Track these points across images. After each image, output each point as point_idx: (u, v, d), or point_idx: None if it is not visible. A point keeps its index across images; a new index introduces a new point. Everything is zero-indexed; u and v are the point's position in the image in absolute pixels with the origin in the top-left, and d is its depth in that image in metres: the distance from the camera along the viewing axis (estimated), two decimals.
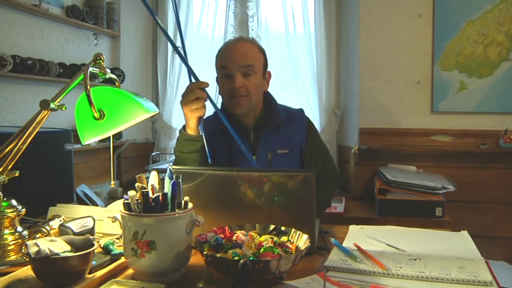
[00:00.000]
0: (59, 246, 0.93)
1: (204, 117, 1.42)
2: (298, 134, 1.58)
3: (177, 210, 0.98)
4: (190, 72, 1.39)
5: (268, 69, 1.57)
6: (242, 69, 1.46)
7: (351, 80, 2.89)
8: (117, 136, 2.82)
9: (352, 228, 1.34)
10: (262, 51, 1.55)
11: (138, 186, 0.99)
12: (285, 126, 1.56)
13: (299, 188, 1.07)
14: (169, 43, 3.13)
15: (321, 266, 1.01)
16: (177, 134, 1.48)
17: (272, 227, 1.04)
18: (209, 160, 1.36)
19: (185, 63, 1.39)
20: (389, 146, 2.61)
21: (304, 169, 1.09)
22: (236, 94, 1.46)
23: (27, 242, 0.91)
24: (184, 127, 1.42)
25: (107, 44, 2.95)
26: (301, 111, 1.66)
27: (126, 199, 0.98)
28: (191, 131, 1.39)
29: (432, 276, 0.91)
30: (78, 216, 1.18)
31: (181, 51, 1.40)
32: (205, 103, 1.37)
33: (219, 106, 1.50)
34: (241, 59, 1.46)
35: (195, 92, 1.33)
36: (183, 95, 1.36)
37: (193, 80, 1.38)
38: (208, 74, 3.18)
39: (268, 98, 1.60)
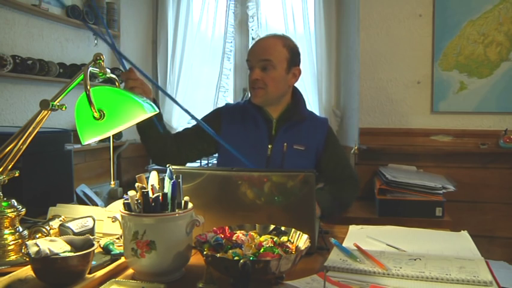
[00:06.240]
0: (59, 246, 0.93)
1: (231, 104, 1.71)
2: (317, 136, 1.62)
3: (177, 210, 0.98)
4: (119, 56, 1.39)
5: (298, 67, 1.63)
6: (260, 63, 1.54)
7: (351, 80, 2.89)
8: (117, 136, 2.81)
9: (352, 228, 1.34)
10: (289, 47, 1.60)
11: (138, 186, 0.99)
12: (307, 125, 1.62)
13: (299, 188, 1.07)
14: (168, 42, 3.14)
15: (321, 266, 1.01)
16: None
17: (272, 227, 1.04)
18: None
19: (114, 49, 1.39)
20: (390, 146, 2.61)
21: (304, 169, 1.09)
22: (254, 86, 1.55)
23: (27, 242, 0.91)
24: None
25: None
26: (326, 119, 1.75)
27: (126, 199, 0.98)
28: None
29: (432, 276, 0.91)
30: (78, 216, 1.18)
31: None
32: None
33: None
34: (259, 53, 1.56)
35: (128, 83, 1.32)
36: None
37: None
38: (208, 73, 3.21)
39: (296, 94, 1.67)
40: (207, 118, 1.69)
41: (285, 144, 1.57)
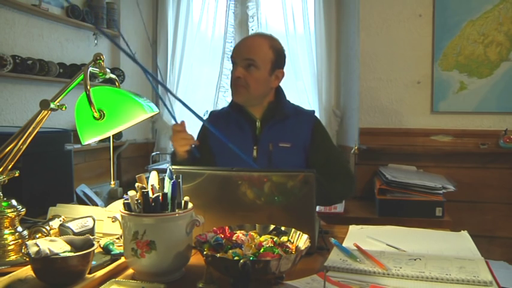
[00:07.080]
0: (59, 246, 0.93)
1: (217, 110, 1.72)
2: (303, 131, 1.59)
3: (177, 210, 0.98)
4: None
5: (282, 69, 1.60)
6: (244, 61, 1.53)
7: (351, 80, 2.89)
8: (117, 136, 2.82)
9: (352, 228, 1.34)
10: (275, 49, 1.56)
11: (138, 186, 0.99)
12: (292, 121, 1.59)
13: (299, 188, 1.07)
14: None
15: (321, 266, 1.01)
16: None
17: (272, 227, 1.04)
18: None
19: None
20: (390, 146, 2.61)
21: (305, 169, 1.09)
22: (236, 83, 1.54)
23: (27, 242, 0.91)
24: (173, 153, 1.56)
25: (107, 44, 2.95)
26: (312, 112, 1.70)
27: (126, 199, 0.98)
28: (180, 157, 1.51)
29: (432, 276, 0.91)
30: (78, 216, 1.18)
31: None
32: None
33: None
34: (244, 52, 1.54)
35: (176, 135, 1.47)
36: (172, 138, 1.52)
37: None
38: (208, 73, 3.21)
39: (278, 92, 1.64)
40: (198, 135, 1.71)
41: (270, 143, 1.55)
